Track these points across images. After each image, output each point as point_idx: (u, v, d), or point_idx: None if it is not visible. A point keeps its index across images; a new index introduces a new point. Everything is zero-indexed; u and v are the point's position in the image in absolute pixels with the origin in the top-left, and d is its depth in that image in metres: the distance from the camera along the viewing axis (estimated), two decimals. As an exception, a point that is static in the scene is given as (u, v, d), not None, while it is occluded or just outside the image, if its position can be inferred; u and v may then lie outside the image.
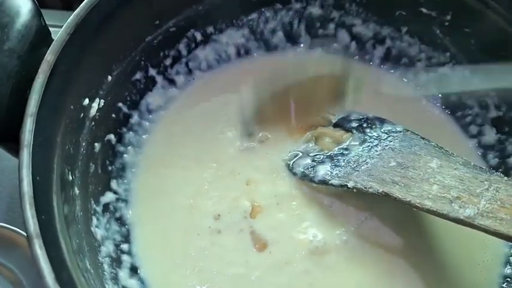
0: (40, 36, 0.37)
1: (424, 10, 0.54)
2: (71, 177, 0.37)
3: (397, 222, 0.47)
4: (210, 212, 0.46)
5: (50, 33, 0.39)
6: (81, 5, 0.38)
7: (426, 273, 0.44)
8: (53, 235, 0.31)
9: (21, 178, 0.30)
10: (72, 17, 0.38)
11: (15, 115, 0.34)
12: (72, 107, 0.38)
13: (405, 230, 0.47)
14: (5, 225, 0.48)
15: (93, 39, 0.40)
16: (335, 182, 0.47)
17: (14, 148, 0.35)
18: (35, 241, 0.28)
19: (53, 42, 0.36)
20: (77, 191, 0.38)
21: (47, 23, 0.40)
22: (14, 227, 0.48)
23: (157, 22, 0.49)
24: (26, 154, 0.31)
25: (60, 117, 0.36)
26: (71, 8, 0.74)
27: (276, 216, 0.46)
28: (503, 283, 0.45)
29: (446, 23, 0.54)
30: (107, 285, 0.37)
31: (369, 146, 0.50)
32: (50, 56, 0.35)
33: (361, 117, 0.54)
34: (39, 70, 0.34)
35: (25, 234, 0.45)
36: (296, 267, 0.43)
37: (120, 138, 0.48)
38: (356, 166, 0.48)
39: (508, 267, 0.46)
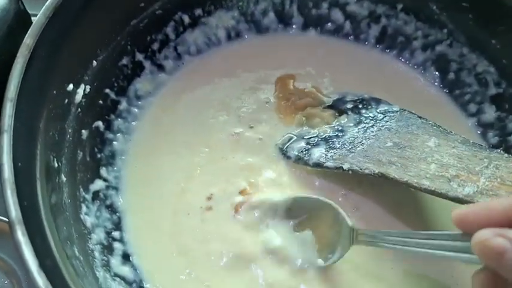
0: (19, 20, 0.36)
1: (419, -15, 0.52)
2: (56, 164, 0.37)
3: (393, 207, 0.46)
4: (202, 195, 0.45)
5: (30, 17, 0.38)
6: (61, -14, 0.37)
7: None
8: (36, 221, 0.30)
9: (1, 164, 0.30)
10: (51, -1, 0.37)
11: (-5, 101, 0.33)
12: (55, 92, 0.37)
13: (400, 213, 0.45)
14: (-1, 216, 0.47)
15: (74, 23, 0.39)
16: (330, 164, 0.46)
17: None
18: (17, 227, 0.28)
19: (32, 26, 0.35)
20: (64, 178, 0.37)
21: (35, 12, 0.38)
22: (6, 217, 0.47)
23: (143, 4, 0.48)
24: (6, 139, 0.30)
25: (42, 103, 0.35)
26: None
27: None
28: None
29: (443, -2, 0.52)
30: (97, 273, 0.36)
31: (364, 127, 0.49)
32: (28, 40, 0.34)
33: (356, 98, 0.53)
34: (18, 54, 0.34)
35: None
36: (288, 244, 0.42)
37: (108, 125, 0.47)
38: (351, 148, 0.47)
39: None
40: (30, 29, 0.35)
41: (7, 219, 0.46)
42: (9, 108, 0.31)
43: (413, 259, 0.42)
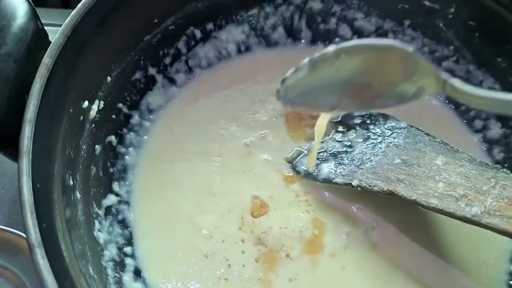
0: (37, 39, 0.37)
1: (427, 3, 0.53)
2: (72, 182, 0.37)
3: (403, 220, 0.47)
4: (215, 210, 0.45)
5: (47, 36, 0.38)
6: (78, 6, 0.38)
7: (432, 271, 0.44)
8: (54, 243, 0.30)
9: (21, 186, 0.30)
10: (69, 18, 0.37)
11: (14, 120, 0.33)
12: (71, 110, 0.37)
13: (411, 228, 0.46)
14: (8, 228, 0.47)
15: (91, 40, 0.39)
16: (339, 180, 0.46)
17: (14, 154, 0.35)
18: (36, 250, 0.28)
19: (50, 45, 0.35)
20: (78, 195, 0.38)
21: (45, 22, 0.39)
22: (17, 230, 0.47)
23: (156, 20, 0.48)
24: (25, 161, 0.31)
25: (59, 122, 0.36)
26: (70, 6, 0.74)
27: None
28: (510, 280, 0.45)
29: (450, 16, 0.53)
30: (110, 291, 0.37)
31: (372, 142, 0.50)
32: (47, 60, 0.35)
33: (364, 113, 0.53)
34: (37, 74, 0.34)
35: (28, 237, 0.46)
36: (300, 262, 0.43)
37: (121, 140, 0.48)
38: (360, 164, 0.47)
39: (516, 264, 0.46)
40: (49, 49, 0.35)
41: (18, 233, 0.47)
42: (28, 129, 0.32)
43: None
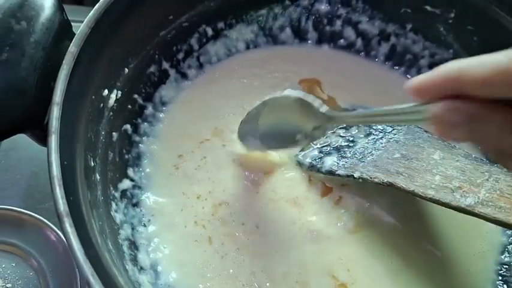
0: (62, 30, 0.39)
1: (428, 8, 0.55)
2: (92, 164, 0.39)
3: (397, 211, 0.49)
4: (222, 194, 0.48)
5: (71, 27, 0.41)
6: (100, 1, 0.40)
7: (422, 263, 0.46)
8: (80, 215, 0.33)
9: (50, 162, 0.32)
10: (93, 11, 0.40)
11: (41, 104, 0.36)
12: (93, 97, 0.40)
13: (405, 219, 0.49)
14: (25, 211, 0.49)
15: (112, 33, 0.42)
16: (341, 172, 0.48)
17: (39, 135, 0.37)
18: (65, 219, 0.30)
19: (76, 35, 0.38)
20: (98, 176, 0.40)
21: (73, 19, 0.41)
22: (33, 213, 0.50)
23: (171, 17, 0.51)
24: (54, 140, 0.33)
25: (82, 107, 0.38)
26: (82, 3, 0.76)
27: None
28: (500, 270, 0.47)
29: (450, 21, 0.55)
30: (127, 266, 0.39)
31: (374, 138, 0.52)
32: (73, 48, 0.37)
33: (366, 111, 0.56)
34: (64, 61, 0.36)
35: (43, 219, 0.48)
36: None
37: (135, 129, 0.50)
38: (362, 157, 0.50)
39: (506, 255, 0.47)
40: (74, 38, 0.38)
41: (34, 215, 0.49)
42: (56, 111, 0.34)
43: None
